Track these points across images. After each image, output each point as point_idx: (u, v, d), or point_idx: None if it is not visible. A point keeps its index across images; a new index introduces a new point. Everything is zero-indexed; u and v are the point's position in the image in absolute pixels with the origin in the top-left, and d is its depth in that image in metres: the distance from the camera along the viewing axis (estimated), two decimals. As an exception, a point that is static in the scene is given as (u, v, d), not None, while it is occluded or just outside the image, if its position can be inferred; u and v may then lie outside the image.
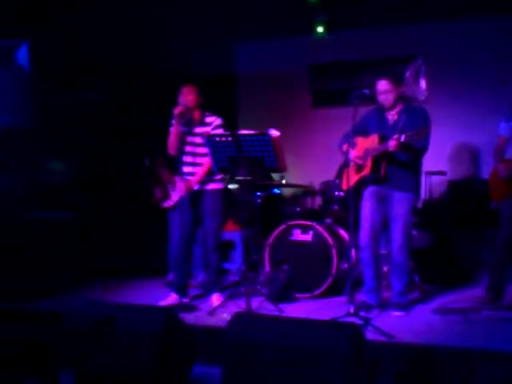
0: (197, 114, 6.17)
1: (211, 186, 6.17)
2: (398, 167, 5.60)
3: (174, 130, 6.07)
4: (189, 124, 6.14)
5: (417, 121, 5.50)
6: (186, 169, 6.20)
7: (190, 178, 6.14)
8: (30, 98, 6.40)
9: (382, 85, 5.65)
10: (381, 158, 5.58)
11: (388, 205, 5.72)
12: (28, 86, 6.38)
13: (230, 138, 5.51)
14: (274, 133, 5.42)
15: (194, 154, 6.14)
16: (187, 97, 6.07)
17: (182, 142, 6.12)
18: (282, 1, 7.61)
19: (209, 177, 6.12)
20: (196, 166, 6.15)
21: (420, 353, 4.51)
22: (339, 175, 7.00)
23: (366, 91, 5.38)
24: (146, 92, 8.28)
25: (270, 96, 9.08)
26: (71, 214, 7.09)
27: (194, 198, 6.15)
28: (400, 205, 5.64)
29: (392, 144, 5.27)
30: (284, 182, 7.79)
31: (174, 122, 6.06)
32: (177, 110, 5.99)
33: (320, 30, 8.42)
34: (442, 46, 8.12)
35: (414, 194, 5.72)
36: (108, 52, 7.67)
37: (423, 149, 5.49)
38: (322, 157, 8.26)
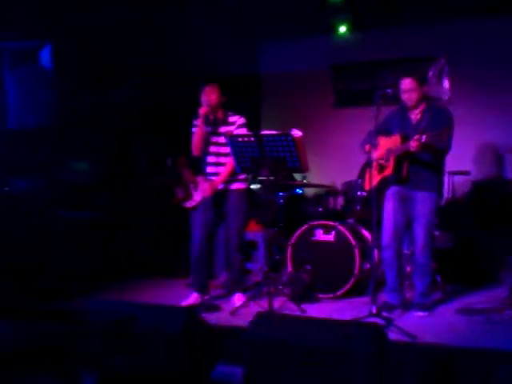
0: (220, 114, 6.16)
1: (235, 186, 6.18)
2: (420, 167, 5.58)
3: (199, 131, 6.07)
4: (213, 124, 6.14)
5: (440, 121, 5.47)
6: (209, 169, 6.20)
7: (213, 178, 6.15)
8: (53, 99, 6.43)
9: (406, 83, 5.62)
10: (403, 159, 5.55)
11: (411, 205, 5.69)
12: (51, 87, 6.41)
13: (252, 139, 5.52)
14: (297, 133, 5.41)
15: (217, 154, 6.14)
16: (210, 96, 6.06)
17: (206, 143, 6.13)
18: (305, 1, 7.60)
19: (232, 176, 6.13)
20: (220, 166, 6.15)
21: (442, 353, 4.49)
22: (361, 175, 6.98)
23: (389, 91, 5.37)
24: (168, 92, 8.30)
25: (293, 96, 9.07)
26: (93, 213, 7.13)
27: (218, 197, 6.15)
28: (423, 205, 5.62)
29: (413, 144, 5.24)
30: (306, 182, 7.78)
31: (198, 122, 6.06)
32: (202, 111, 5.98)
33: (342, 29, 8.40)
34: (466, 45, 8.06)
35: (437, 194, 5.70)
36: (130, 52, 7.71)
37: (445, 149, 5.45)
38: (344, 157, 8.23)
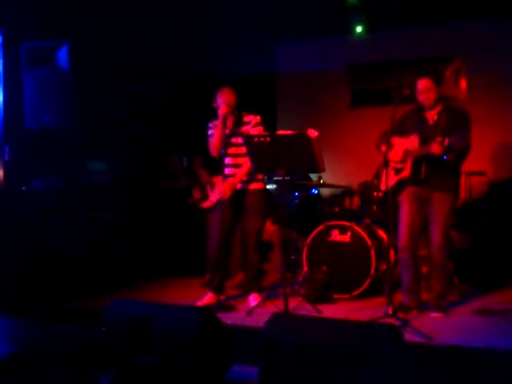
0: (236, 114, 6.17)
1: (253, 186, 6.17)
2: (438, 168, 5.54)
3: (218, 132, 6.07)
4: (233, 125, 6.14)
5: (458, 122, 5.44)
6: (227, 171, 6.19)
7: (231, 179, 6.15)
8: (70, 99, 6.46)
9: (424, 84, 5.59)
10: (421, 160, 5.53)
11: (427, 205, 5.67)
12: (68, 87, 6.44)
13: (268, 139, 5.51)
14: (313, 133, 5.41)
15: (235, 155, 6.14)
16: (229, 97, 6.06)
17: (225, 144, 6.12)
18: (322, 1, 7.60)
19: (250, 177, 6.13)
20: (238, 168, 6.14)
21: (459, 354, 4.48)
22: (377, 175, 6.97)
23: (406, 91, 5.35)
24: (185, 93, 8.32)
25: (309, 96, 9.06)
26: (110, 214, 7.15)
27: (236, 197, 6.15)
28: (440, 205, 5.59)
29: (435, 148, 5.21)
30: (322, 182, 7.77)
31: (218, 123, 6.05)
32: (222, 111, 5.98)
33: (359, 29, 8.39)
34: (483, 45, 8.03)
35: (454, 195, 5.67)
36: (147, 53, 7.73)
37: (466, 152, 5.41)
38: (360, 157, 8.21)
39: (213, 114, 6.09)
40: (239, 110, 6.17)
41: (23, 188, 6.70)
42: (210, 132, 6.18)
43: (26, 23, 6.57)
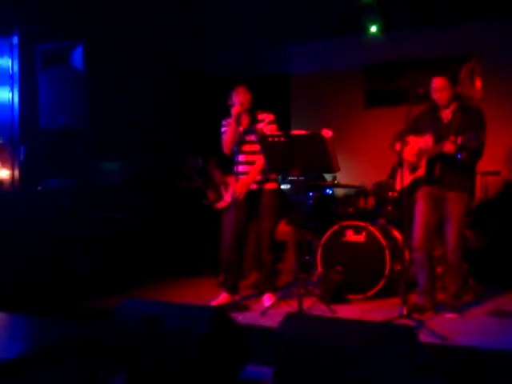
0: (250, 113, 6.17)
1: (268, 186, 6.17)
2: (453, 168, 5.51)
3: (231, 130, 6.08)
4: (248, 123, 6.14)
5: (472, 121, 5.41)
6: (241, 168, 6.21)
7: (244, 177, 6.15)
8: (85, 100, 6.49)
9: (438, 82, 5.57)
10: (435, 159, 5.51)
11: (443, 205, 5.64)
12: (82, 88, 6.47)
13: (282, 138, 5.51)
14: (327, 133, 5.40)
15: (248, 153, 6.14)
16: (244, 96, 6.07)
17: (237, 142, 6.13)
18: (336, 1, 7.59)
19: (264, 176, 6.12)
20: (251, 165, 6.14)
21: (474, 355, 4.45)
22: (392, 175, 6.95)
23: (421, 91, 5.33)
24: (199, 93, 8.33)
25: (323, 96, 9.06)
26: (123, 214, 7.17)
27: (250, 197, 6.15)
28: (455, 205, 5.56)
29: (448, 146, 5.19)
30: (336, 182, 7.75)
31: (231, 121, 6.07)
32: (235, 111, 6.00)
33: (373, 29, 8.37)
34: (497, 44, 7.99)
35: (469, 195, 5.63)
36: (161, 53, 7.75)
37: (480, 151, 5.37)
38: (374, 157, 8.20)
39: (227, 112, 6.10)
40: (253, 109, 6.18)
41: (38, 188, 6.73)
42: (223, 129, 6.19)
43: (41, 24, 6.60)
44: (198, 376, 3.75)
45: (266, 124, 6.08)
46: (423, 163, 5.57)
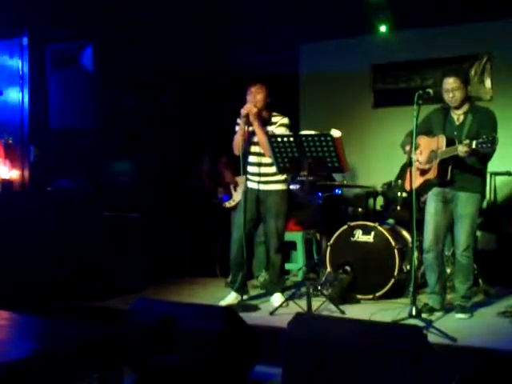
0: (265, 114, 6.15)
1: (276, 187, 6.17)
2: (464, 168, 5.47)
3: (240, 130, 6.08)
4: (261, 123, 6.11)
5: (485, 123, 5.38)
6: (251, 169, 6.20)
7: (255, 178, 6.15)
8: (95, 100, 6.51)
9: (450, 82, 5.49)
10: (448, 162, 5.45)
11: (453, 206, 5.62)
12: (92, 88, 6.49)
13: (291, 139, 5.50)
14: (336, 133, 5.39)
15: (260, 154, 6.14)
16: (256, 96, 6.05)
17: (248, 143, 6.12)
18: (345, 1, 7.57)
19: (272, 177, 6.12)
20: (262, 167, 6.14)
21: (483, 356, 4.44)
22: (401, 175, 6.93)
23: (430, 90, 5.30)
24: (211, 92, 8.33)
25: (332, 96, 9.03)
26: (134, 214, 7.18)
27: (258, 197, 6.15)
28: (465, 206, 5.53)
29: (463, 150, 5.15)
30: (345, 182, 7.75)
31: (240, 122, 6.06)
32: (244, 111, 5.98)
33: (383, 29, 8.36)
34: (508, 44, 7.96)
35: (480, 195, 5.60)
36: (172, 53, 7.75)
37: (492, 153, 5.34)
38: (384, 157, 8.17)
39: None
40: (270, 110, 6.16)
41: (48, 188, 6.75)
42: (236, 128, 6.17)
43: (51, 25, 6.62)
44: (209, 375, 3.76)
45: (276, 127, 6.05)
46: (435, 165, 5.51)
